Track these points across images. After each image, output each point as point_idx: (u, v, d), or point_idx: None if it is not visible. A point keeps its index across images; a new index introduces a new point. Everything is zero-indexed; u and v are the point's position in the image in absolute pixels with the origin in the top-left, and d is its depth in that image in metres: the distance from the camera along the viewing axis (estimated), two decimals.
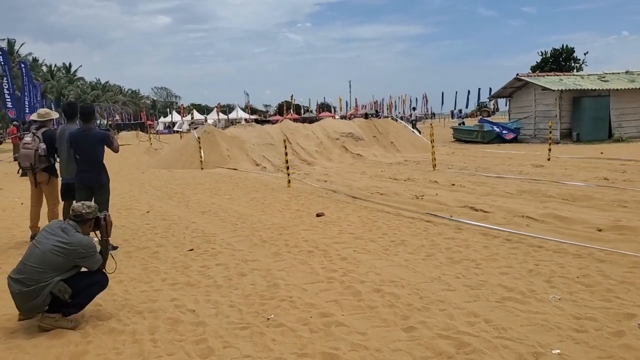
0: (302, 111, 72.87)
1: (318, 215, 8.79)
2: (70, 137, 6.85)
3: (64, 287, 4.21)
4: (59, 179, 7.51)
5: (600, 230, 6.92)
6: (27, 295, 4.16)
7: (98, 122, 63.45)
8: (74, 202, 6.04)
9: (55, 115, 7.90)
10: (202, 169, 17.70)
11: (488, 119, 34.72)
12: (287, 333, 4.10)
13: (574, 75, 27.84)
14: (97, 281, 4.54)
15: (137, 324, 4.40)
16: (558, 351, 3.58)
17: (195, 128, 28.91)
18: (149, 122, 69.54)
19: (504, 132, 24.70)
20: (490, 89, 55.70)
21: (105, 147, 6.88)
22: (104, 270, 4.62)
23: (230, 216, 9.01)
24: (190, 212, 9.61)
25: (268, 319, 4.38)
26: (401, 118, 40.22)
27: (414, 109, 55.92)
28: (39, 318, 4.31)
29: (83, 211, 4.54)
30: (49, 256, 4.20)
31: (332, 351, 3.74)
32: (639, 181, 10.77)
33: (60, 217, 7.82)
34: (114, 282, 5.59)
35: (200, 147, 18.47)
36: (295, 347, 3.86)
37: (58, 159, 7.50)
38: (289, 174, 12.92)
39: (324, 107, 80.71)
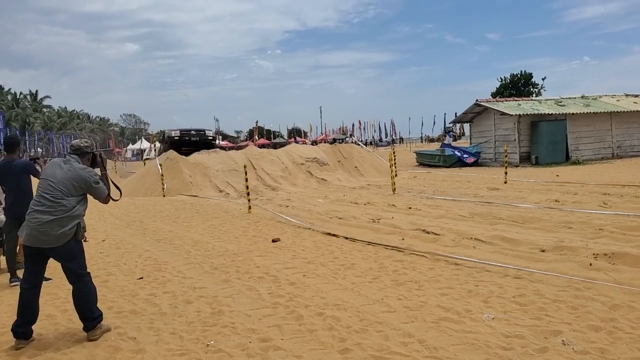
0: (273, 136, 73.01)
1: (274, 240, 8.86)
2: None
3: (85, 225, 4.79)
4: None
5: (543, 251, 7.16)
6: (58, 223, 4.43)
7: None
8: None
9: None
10: (164, 196, 17.60)
11: (452, 143, 35.42)
12: (224, 358, 4.15)
13: (532, 100, 28.76)
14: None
15: (75, 353, 4.39)
16: None
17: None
18: (116, 150, 68.75)
19: (464, 156, 25.29)
20: (456, 114, 56.86)
21: (31, 176, 6.84)
22: (111, 198, 4.93)
23: (185, 244, 9.01)
24: (146, 240, 9.57)
25: (207, 345, 4.43)
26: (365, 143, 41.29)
27: (351, 135, 59.00)
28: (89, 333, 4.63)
29: (82, 144, 4.87)
30: (64, 185, 4.54)
31: None
32: (588, 202, 11.14)
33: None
34: (59, 311, 5.59)
35: (162, 174, 18.39)
36: None
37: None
38: (249, 200, 12.97)
39: (295, 132, 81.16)
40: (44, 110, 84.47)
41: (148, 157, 55.20)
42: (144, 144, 71.70)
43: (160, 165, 19.11)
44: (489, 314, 4.81)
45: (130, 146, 79.15)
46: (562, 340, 4.10)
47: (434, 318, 4.78)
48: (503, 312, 4.88)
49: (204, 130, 25.01)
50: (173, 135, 24.21)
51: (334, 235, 9.05)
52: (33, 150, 60.88)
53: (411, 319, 4.79)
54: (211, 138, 25.37)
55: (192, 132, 24.51)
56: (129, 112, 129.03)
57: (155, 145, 35.25)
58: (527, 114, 23.82)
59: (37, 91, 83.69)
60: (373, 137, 72.32)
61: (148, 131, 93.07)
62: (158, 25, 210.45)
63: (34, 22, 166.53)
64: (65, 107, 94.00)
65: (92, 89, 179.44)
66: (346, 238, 8.69)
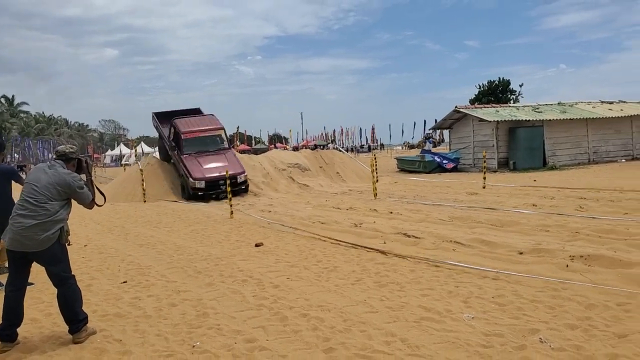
0: (254, 142, 72.82)
1: (257, 245, 8.91)
2: None
3: (68, 229, 4.76)
4: None
5: (521, 253, 7.32)
6: (42, 227, 4.46)
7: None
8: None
9: None
10: (145, 201, 17.52)
11: (432, 149, 35.80)
12: (210, 359, 4.20)
13: (509, 106, 29.24)
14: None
15: (61, 355, 4.41)
16: None
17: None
18: (95, 156, 68.00)
19: (444, 162, 25.62)
20: (436, 120, 57.46)
21: (12, 182, 6.79)
22: (96, 203, 4.97)
23: (167, 248, 9.01)
24: (128, 245, 9.56)
25: (193, 346, 4.47)
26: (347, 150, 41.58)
27: (333, 141, 60.54)
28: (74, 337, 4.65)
29: (67, 150, 4.94)
30: (48, 189, 4.57)
31: None
32: (565, 206, 11.39)
33: None
34: (43, 315, 5.58)
35: (142, 180, 18.30)
36: None
37: None
38: (231, 205, 13.00)
39: (276, 138, 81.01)
40: (21, 115, 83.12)
41: (127, 162, 54.82)
42: (123, 150, 71.09)
43: (141, 170, 19.01)
44: (469, 314, 4.94)
45: (109, 152, 78.26)
46: (540, 338, 4.24)
47: (415, 318, 4.89)
48: (482, 312, 5.01)
49: (236, 177, 18.01)
50: (197, 186, 17.69)
51: (319, 237, 9.14)
52: (9, 156, 59.84)
53: (393, 319, 4.90)
54: (244, 188, 18.73)
55: (221, 184, 17.26)
56: (108, 117, 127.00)
57: (136, 152, 34.69)
58: (505, 121, 24.22)
59: (13, 96, 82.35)
60: (353, 143, 72.64)
61: (127, 137, 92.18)
62: (138, 30, 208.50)
63: (11, 26, 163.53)
64: (43, 113, 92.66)
65: (71, 95, 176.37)
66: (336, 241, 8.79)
